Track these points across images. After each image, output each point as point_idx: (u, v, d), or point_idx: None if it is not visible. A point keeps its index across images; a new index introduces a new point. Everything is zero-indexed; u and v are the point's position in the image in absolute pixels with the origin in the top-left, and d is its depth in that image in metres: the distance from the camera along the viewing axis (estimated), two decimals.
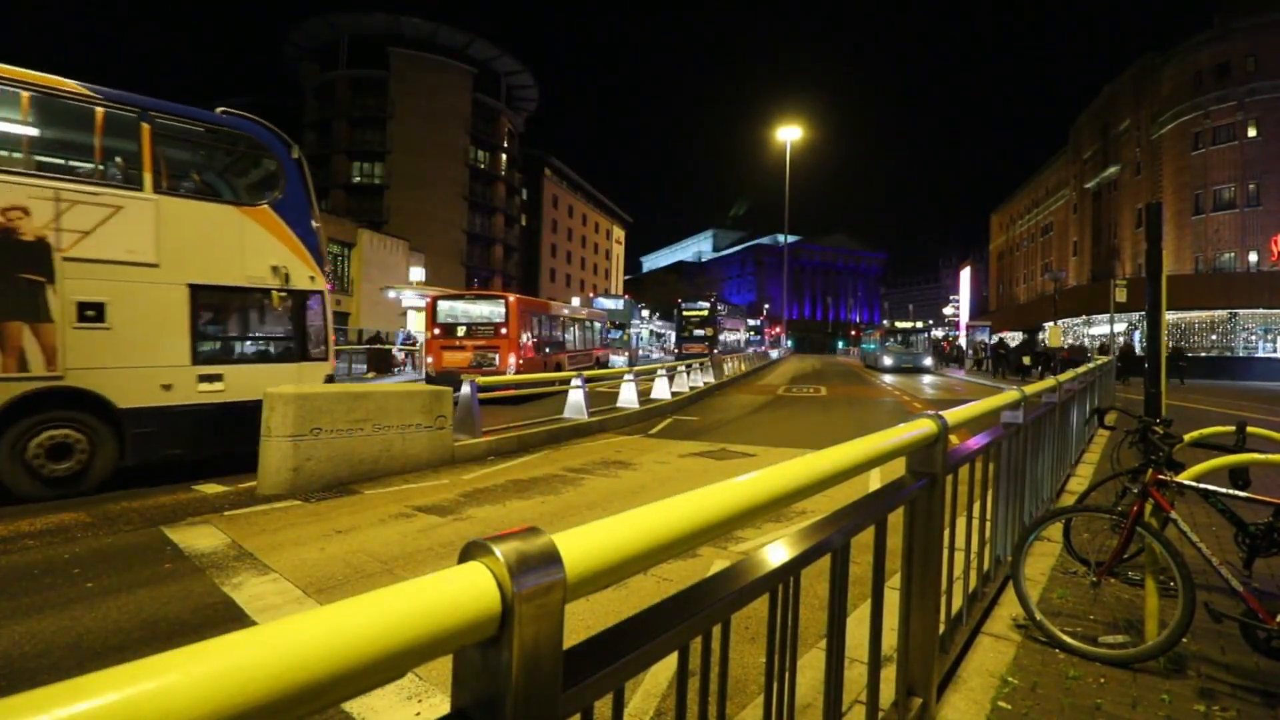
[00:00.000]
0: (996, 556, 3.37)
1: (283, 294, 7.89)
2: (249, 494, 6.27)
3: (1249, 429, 3.43)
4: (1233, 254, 31.43)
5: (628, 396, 13.00)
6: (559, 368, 18.24)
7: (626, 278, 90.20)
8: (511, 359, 15.49)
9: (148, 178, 6.81)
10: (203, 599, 3.75)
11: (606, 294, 59.79)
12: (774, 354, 46.00)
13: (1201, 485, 2.77)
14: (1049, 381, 4.87)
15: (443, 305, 16.27)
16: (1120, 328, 31.37)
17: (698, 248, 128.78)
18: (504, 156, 55.62)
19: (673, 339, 61.56)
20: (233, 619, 3.47)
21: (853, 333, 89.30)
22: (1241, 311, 28.89)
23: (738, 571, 1.24)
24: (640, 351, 46.35)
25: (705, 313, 43.90)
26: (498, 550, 0.72)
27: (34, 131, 6.57)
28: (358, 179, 47.91)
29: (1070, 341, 33.60)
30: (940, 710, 2.29)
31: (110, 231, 6.52)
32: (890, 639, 2.22)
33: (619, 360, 31.10)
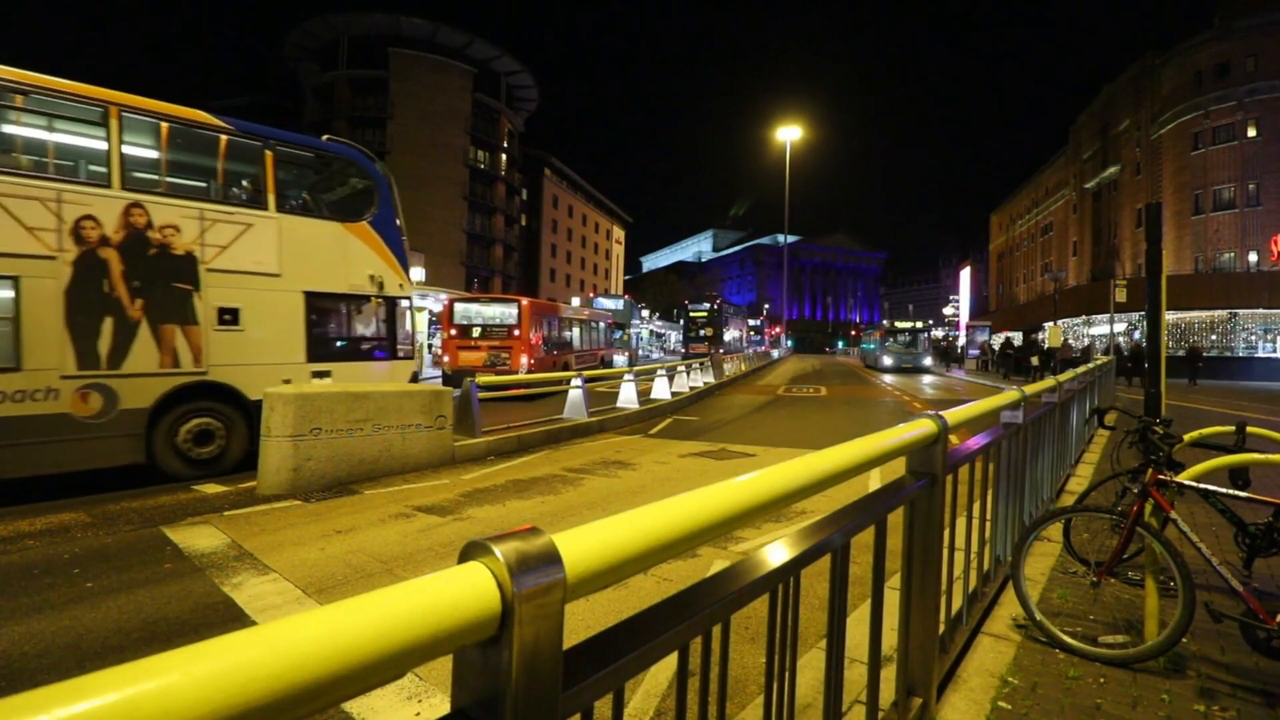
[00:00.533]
0: (996, 556, 3.37)
1: (378, 300, 8.99)
2: (249, 494, 6.28)
3: (1249, 429, 3.43)
4: (1233, 254, 31.44)
5: (628, 396, 13.05)
6: (566, 367, 18.88)
7: (626, 278, 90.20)
8: (524, 359, 16.17)
9: (271, 198, 7.80)
10: (203, 599, 3.75)
11: (606, 294, 59.76)
12: (774, 354, 46.62)
13: (1201, 485, 2.77)
14: (1049, 381, 4.87)
15: (459, 307, 16.90)
16: (1120, 328, 31.38)
17: (698, 248, 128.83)
18: (504, 156, 55.59)
19: (672, 339, 61.93)
20: (233, 619, 3.47)
21: (853, 333, 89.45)
22: (1241, 311, 28.89)
23: (738, 571, 1.24)
24: (640, 352, 46.56)
25: (711, 314, 46.16)
26: (498, 550, 0.72)
27: (179, 158, 7.65)
28: None
29: (1071, 340, 33.57)
30: (940, 710, 2.29)
31: (242, 246, 7.51)
32: (890, 639, 2.22)
33: (621, 360, 31.26)
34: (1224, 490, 2.73)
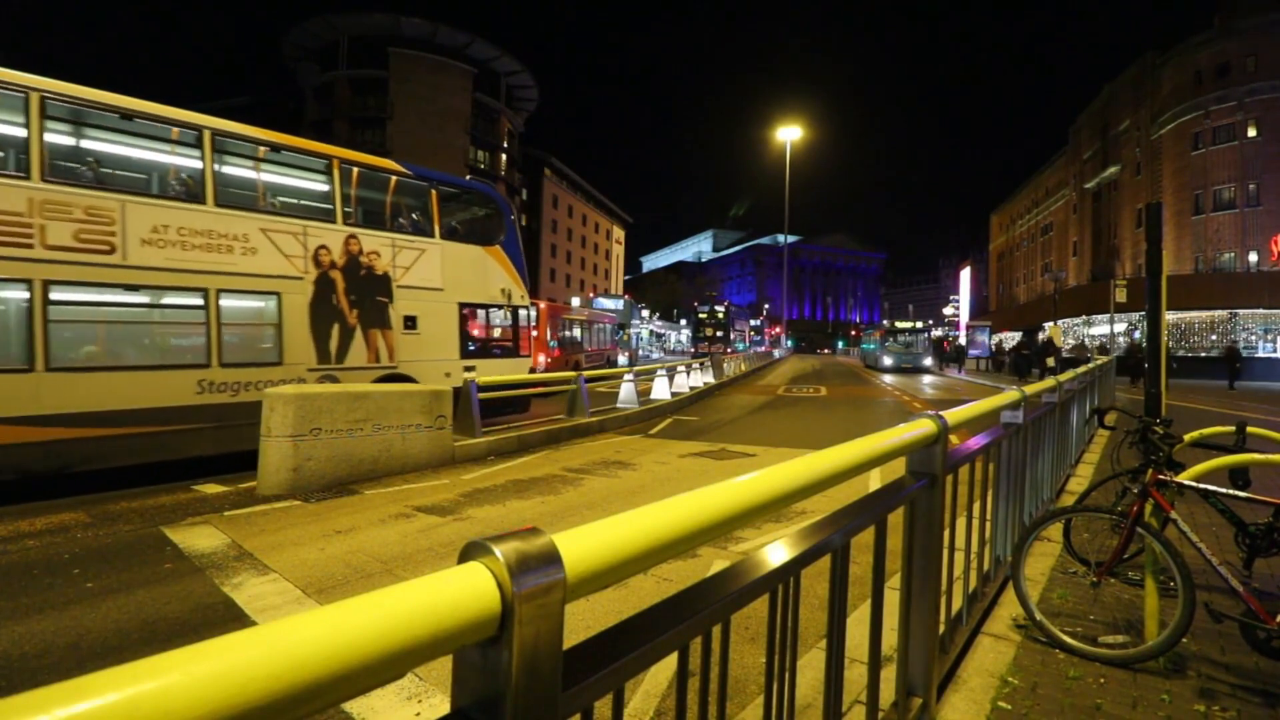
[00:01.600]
0: (996, 556, 3.37)
1: (507, 308, 11.11)
2: (249, 494, 6.28)
3: (1249, 429, 3.43)
4: (1233, 254, 31.43)
5: (629, 395, 13.12)
6: (577, 365, 20.01)
7: (626, 278, 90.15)
8: (541, 358, 17.56)
9: (436, 229, 9.89)
10: (203, 599, 3.75)
11: (606, 294, 59.73)
12: (775, 354, 47.13)
13: (1201, 485, 2.76)
14: (1049, 381, 4.86)
15: None
16: (1120, 328, 31.37)
17: (698, 248, 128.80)
18: (504, 156, 55.54)
19: (672, 339, 62.23)
20: (233, 619, 3.47)
21: (853, 333, 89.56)
22: (1241, 311, 28.89)
23: (738, 571, 1.24)
24: (640, 352, 46.78)
25: (721, 316, 49.49)
26: (498, 550, 0.72)
27: (375, 196, 9.81)
28: None
29: (1085, 341, 33.48)
30: (940, 710, 2.28)
31: (418, 267, 9.53)
32: (890, 639, 2.22)
33: (624, 360, 31.50)
34: (1224, 490, 2.73)
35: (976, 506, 2.84)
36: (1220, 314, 29.35)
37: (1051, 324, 28.05)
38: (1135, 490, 2.92)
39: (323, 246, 8.36)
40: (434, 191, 9.95)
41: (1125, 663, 2.63)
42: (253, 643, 0.54)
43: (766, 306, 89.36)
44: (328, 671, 0.56)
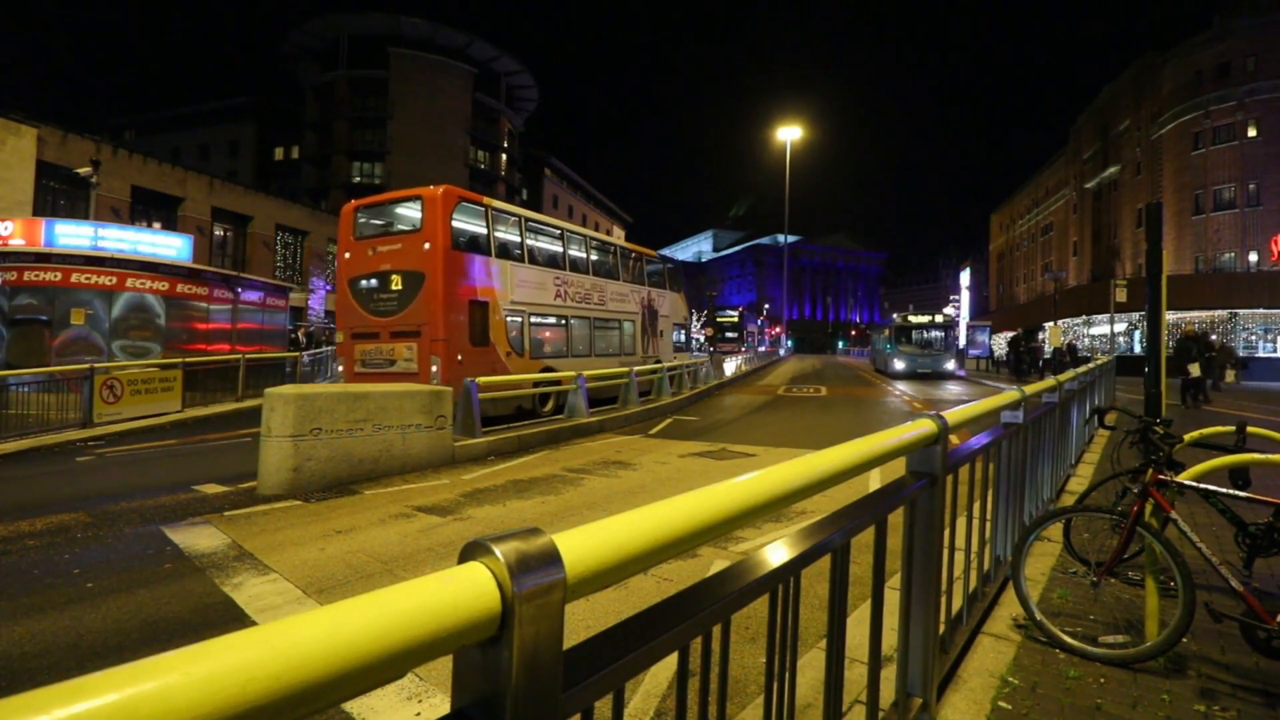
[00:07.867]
0: (996, 556, 3.36)
1: (684, 324, 20.03)
2: (249, 494, 6.27)
3: (1249, 429, 3.42)
4: (1233, 254, 31.44)
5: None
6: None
7: None
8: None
9: (667, 284, 18.68)
10: (203, 599, 3.75)
11: None
12: (780, 353, 47.73)
13: (1201, 485, 2.76)
14: (1049, 381, 4.86)
15: None
16: (1120, 328, 31.36)
17: (698, 248, 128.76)
18: (504, 157, 55.54)
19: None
20: (233, 619, 3.47)
21: (853, 333, 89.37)
22: (1241, 311, 28.90)
23: (738, 571, 1.24)
24: None
25: (735, 319, 56.87)
26: (498, 550, 0.72)
27: (651, 270, 18.08)
28: (358, 179, 47.77)
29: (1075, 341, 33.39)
30: (940, 710, 2.28)
31: (663, 305, 18.06)
32: (890, 639, 2.22)
33: None
34: (1224, 490, 2.73)
35: (976, 506, 2.84)
36: (1220, 314, 29.36)
37: (1052, 324, 28.07)
38: (1135, 490, 2.92)
39: (641, 296, 16.68)
40: (666, 265, 19.11)
41: (1125, 663, 2.63)
42: (253, 643, 0.54)
43: (766, 306, 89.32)
44: (328, 671, 0.56)
